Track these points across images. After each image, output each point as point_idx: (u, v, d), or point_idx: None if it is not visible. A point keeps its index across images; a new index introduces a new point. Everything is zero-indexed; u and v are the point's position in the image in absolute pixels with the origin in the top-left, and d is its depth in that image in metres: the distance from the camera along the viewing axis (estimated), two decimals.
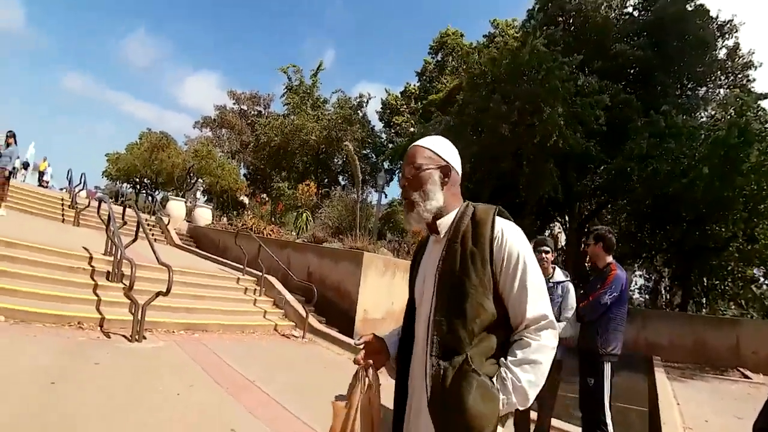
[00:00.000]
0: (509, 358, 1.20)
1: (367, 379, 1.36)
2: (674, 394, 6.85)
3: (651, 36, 16.76)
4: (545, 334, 1.20)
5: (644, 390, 7.72)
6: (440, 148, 1.40)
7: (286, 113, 27.51)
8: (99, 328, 5.22)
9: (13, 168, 9.74)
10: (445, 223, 1.34)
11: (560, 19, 18.55)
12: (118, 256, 6.42)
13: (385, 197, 24.63)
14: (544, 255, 3.48)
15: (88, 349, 4.47)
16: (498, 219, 1.29)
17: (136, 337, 5.11)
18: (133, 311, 5.38)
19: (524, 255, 1.24)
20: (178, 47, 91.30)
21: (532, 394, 1.17)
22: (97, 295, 5.87)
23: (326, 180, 27.17)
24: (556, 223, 21.02)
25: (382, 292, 8.91)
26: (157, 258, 6.15)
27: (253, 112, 35.08)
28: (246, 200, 23.12)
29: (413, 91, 27.74)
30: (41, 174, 23.12)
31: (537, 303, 1.22)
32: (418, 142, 1.42)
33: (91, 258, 6.77)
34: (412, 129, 21.98)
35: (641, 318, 12.17)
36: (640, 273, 22.41)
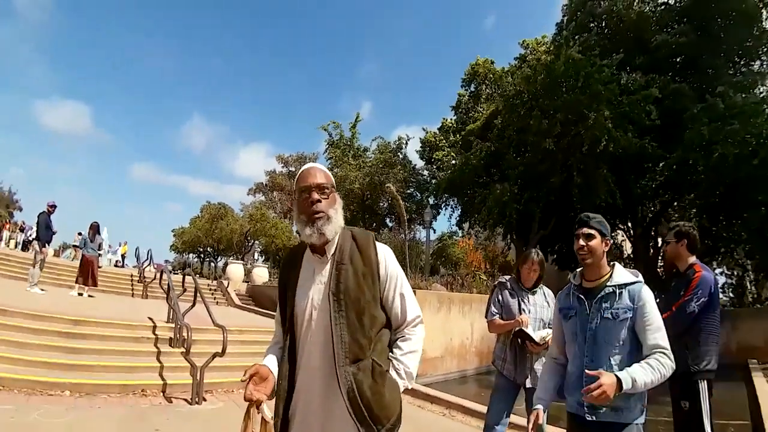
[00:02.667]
0: (397, 351, 1.48)
1: (259, 416, 1.33)
2: None
3: (691, 20, 15.89)
4: (419, 329, 1.53)
5: (743, 400, 6.65)
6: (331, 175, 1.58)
7: (330, 167, 28.41)
8: (162, 394, 5.25)
9: (98, 255, 10.65)
10: (331, 245, 1.47)
11: (592, 25, 18.14)
12: (178, 323, 6.59)
13: (434, 232, 24.27)
14: (531, 265, 3.23)
15: (149, 415, 4.46)
16: (378, 244, 1.52)
17: (196, 399, 5.08)
18: (192, 374, 5.38)
19: (399, 271, 1.53)
20: (229, 127, 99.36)
21: (415, 373, 1.50)
22: (160, 362, 5.97)
23: (374, 224, 27.31)
24: (618, 231, 19.53)
25: (438, 328, 8.53)
26: (212, 320, 6.23)
27: None
28: None
29: (450, 125, 27.76)
30: (123, 256, 25.14)
31: (413, 307, 1.53)
32: (318, 165, 1.57)
33: (154, 327, 6.99)
34: (453, 161, 21.79)
35: (730, 319, 10.89)
36: (721, 270, 20.14)
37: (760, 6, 15.25)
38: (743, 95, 13.32)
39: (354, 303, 1.39)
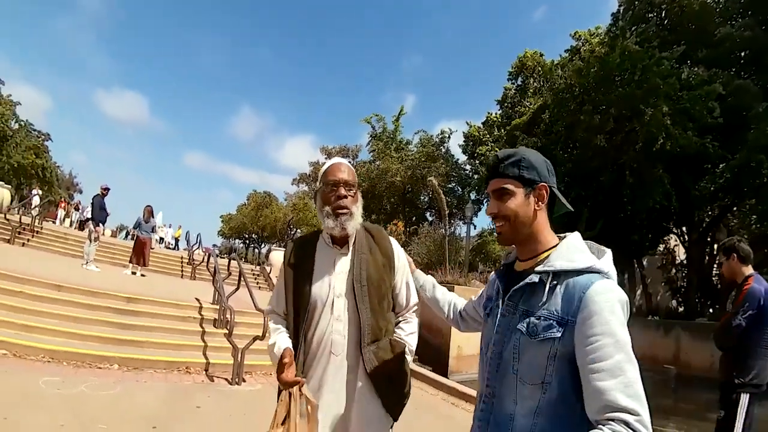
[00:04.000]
0: (402, 332, 1.63)
1: (303, 398, 1.34)
2: None
3: (757, 13, 14.70)
4: (416, 314, 1.72)
5: None
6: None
7: (372, 159, 28.55)
8: (204, 372, 5.48)
9: (151, 237, 11.23)
10: (351, 237, 1.61)
11: (650, 15, 17.11)
12: (222, 305, 6.86)
13: (474, 228, 23.92)
14: None
15: (192, 392, 4.68)
16: (390, 237, 1.72)
17: (236, 380, 5.27)
18: (233, 355, 5.60)
19: (405, 261, 1.72)
20: (276, 118, 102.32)
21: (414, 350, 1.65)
22: (204, 341, 6.24)
23: (414, 218, 27.26)
24: (671, 235, 18.40)
25: None
26: (254, 304, 6.43)
27: None
28: None
29: (495, 119, 27.15)
30: (176, 240, 26.43)
31: (415, 295, 1.71)
32: (346, 162, 1.70)
33: (201, 307, 7.31)
34: None
35: None
36: None
37: None
38: None
39: (376, 289, 1.56)
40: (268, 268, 15.75)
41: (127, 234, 23.94)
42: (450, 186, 26.36)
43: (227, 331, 6.30)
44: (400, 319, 1.68)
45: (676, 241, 18.80)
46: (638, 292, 20.01)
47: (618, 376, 0.87)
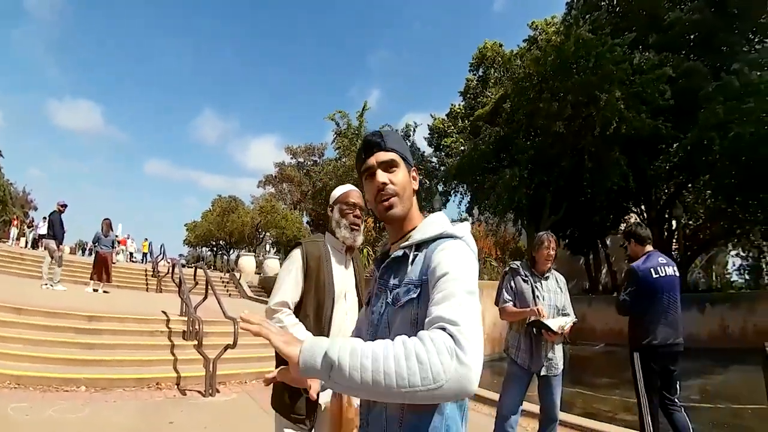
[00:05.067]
0: None
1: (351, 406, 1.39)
2: None
3: None
4: None
5: (760, 385, 6.49)
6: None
7: (338, 157, 28.34)
8: (176, 386, 5.31)
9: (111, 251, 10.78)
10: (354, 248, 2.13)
11: (602, 2, 17.62)
12: (190, 316, 6.65)
13: None
14: (548, 246, 3.16)
15: (164, 408, 4.52)
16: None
17: (210, 391, 5.13)
18: (205, 366, 5.43)
19: None
20: (239, 120, 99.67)
21: None
22: (174, 355, 6.04)
23: None
24: (631, 215, 19.19)
25: None
26: (224, 312, 6.26)
27: (309, 163, 36.64)
28: None
29: (459, 110, 27.45)
30: (144, 254, 25.36)
31: None
32: (357, 190, 2.03)
33: (168, 320, 7.06)
34: (462, 147, 21.58)
35: (746, 302, 10.65)
36: (736, 252, 19.76)
37: None
38: (759, 73, 12.88)
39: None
40: (237, 275, 15.44)
41: (84, 250, 22.92)
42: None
43: (197, 342, 6.12)
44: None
45: (636, 219, 19.62)
46: (603, 270, 20.78)
47: (450, 299, 0.85)
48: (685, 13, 14.88)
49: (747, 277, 19.67)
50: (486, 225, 19.57)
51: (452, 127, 26.90)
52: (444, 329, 0.78)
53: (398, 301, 1.00)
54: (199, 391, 5.18)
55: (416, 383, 0.74)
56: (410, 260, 1.03)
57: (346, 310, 1.94)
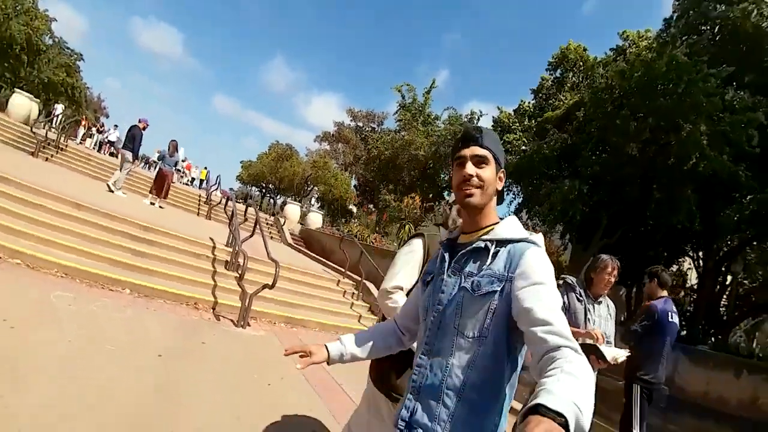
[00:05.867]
0: None
1: None
2: None
3: None
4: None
5: None
6: None
7: (398, 129, 28.28)
8: (212, 310, 5.69)
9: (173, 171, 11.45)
10: None
11: (703, 28, 16.23)
12: (236, 248, 7.06)
13: None
14: (611, 272, 3.08)
15: (198, 328, 4.88)
16: None
17: (242, 323, 5.49)
18: (241, 299, 5.81)
19: None
20: (307, 73, 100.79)
21: None
22: (214, 281, 6.45)
23: (431, 195, 27.21)
24: (686, 258, 18.17)
25: None
26: (267, 253, 6.60)
27: (368, 129, 36.74)
28: (354, 209, 24.20)
29: (527, 108, 26.53)
30: (201, 181, 26.61)
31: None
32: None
33: (214, 247, 7.50)
34: (524, 147, 20.98)
35: None
36: None
37: None
38: None
39: None
40: (282, 220, 16.03)
41: (147, 164, 24.24)
42: None
43: (238, 275, 6.54)
44: None
45: (690, 264, 18.55)
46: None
47: (555, 313, 0.99)
48: None
49: None
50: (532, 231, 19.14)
51: (518, 125, 26.11)
52: (569, 347, 0.93)
53: (479, 289, 1.12)
54: (232, 320, 5.55)
55: (592, 379, 0.87)
56: (491, 253, 1.15)
57: None
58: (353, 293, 8.88)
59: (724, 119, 12.25)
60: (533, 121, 24.25)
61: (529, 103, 26.84)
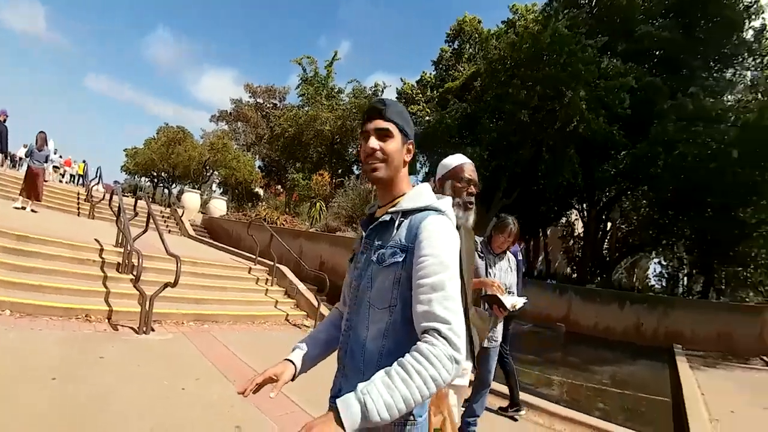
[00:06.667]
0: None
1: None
2: (698, 384, 6.56)
3: (677, 17, 15.93)
4: None
5: (666, 380, 7.47)
6: None
7: (301, 104, 27.35)
8: (107, 321, 5.12)
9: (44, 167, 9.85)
10: None
11: (583, 1, 17.80)
12: (127, 248, 6.35)
13: None
14: (507, 236, 3.27)
15: (94, 341, 4.37)
16: None
17: (144, 329, 5.00)
18: (140, 303, 5.27)
19: None
20: (195, 46, 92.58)
21: None
22: (106, 287, 5.78)
23: (340, 170, 26.98)
24: (573, 210, 20.43)
25: None
26: (166, 249, 6.05)
27: (268, 105, 35.05)
28: (261, 192, 23.15)
29: (429, 79, 27.21)
30: (80, 176, 23.38)
31: None
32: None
33: (101, 250, 6.71)
34: (428, 117, 21.53)
35: (662, 306, 11.78)
36: (658, 260, 21.85)
37: (745, 16, 15.46)
38: (712, 100, 13.74)
39: None
40: (180, 211, 14.80)
41: (13, 162, 20.85)
42: None
43: (133, 277, 5.90)
44: None
45: (576, 215, 20.83)
46: (540, 258, 22.08)
47: (439, 291, 1.01)
48: (656, 28, 15.39)
49: (664, 284, 21.72)
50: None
51: (420, 96, 26.71)
52: (439, 332, 0.97)
53: (383, 261, 1.13)
54: (132, 328, 5.04)
55: (432, 392, 0.95)
56: (395, 225, 1.16)
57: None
58: (267, 279, 8.55)
59: (600, 85, 13.61)
60: (435, 92, 24.95)
61: (430, 74, 27.51)
